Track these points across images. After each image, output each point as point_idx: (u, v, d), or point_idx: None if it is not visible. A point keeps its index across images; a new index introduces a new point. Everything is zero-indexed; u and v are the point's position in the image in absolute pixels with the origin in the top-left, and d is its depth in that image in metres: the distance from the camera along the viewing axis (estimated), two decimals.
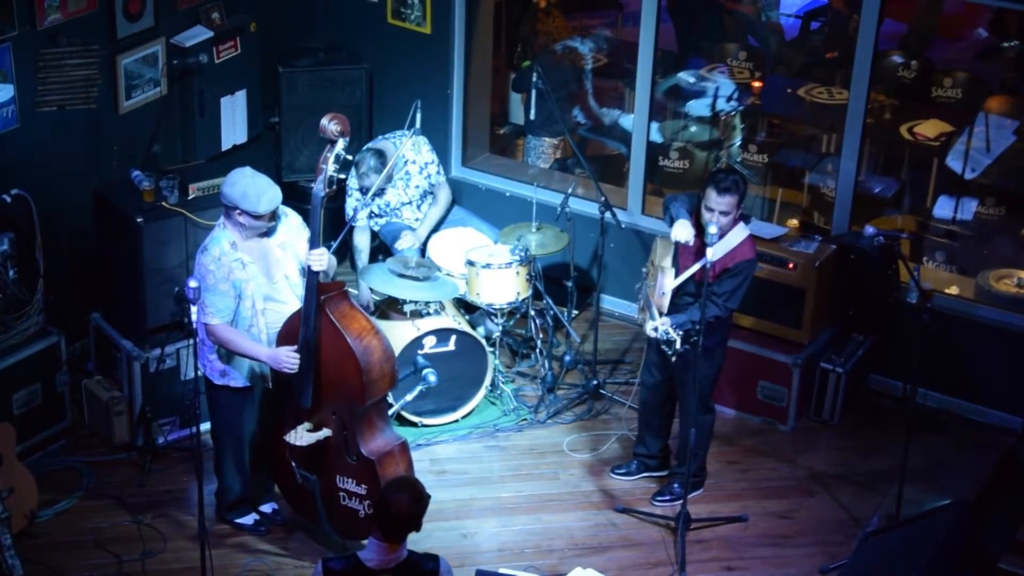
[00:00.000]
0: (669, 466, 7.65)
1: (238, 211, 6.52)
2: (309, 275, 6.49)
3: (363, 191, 8.46)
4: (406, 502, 5.05)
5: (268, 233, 6.65)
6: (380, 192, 8.54)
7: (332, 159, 6.54)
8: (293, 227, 6.75)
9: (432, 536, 6.91)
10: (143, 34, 8.21)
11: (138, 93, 8.29)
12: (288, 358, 6.53)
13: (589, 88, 9.91)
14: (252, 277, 6.60)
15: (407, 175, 8.65)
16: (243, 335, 6.62)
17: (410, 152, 8.61)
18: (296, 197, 9.18)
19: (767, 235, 8.15)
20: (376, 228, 8.72)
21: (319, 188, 6.55)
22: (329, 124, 6.54)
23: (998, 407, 8.17)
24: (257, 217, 6.53)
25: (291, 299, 6.72)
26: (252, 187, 6.52)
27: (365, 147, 8.56)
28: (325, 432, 6.72)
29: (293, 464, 6.80)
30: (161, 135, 8.28)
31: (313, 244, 6.53)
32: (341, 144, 6.56)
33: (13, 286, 7.25)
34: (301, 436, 6.72)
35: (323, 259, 6.46)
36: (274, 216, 6.60)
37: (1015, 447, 7.96)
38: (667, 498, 7.55)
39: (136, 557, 7.02)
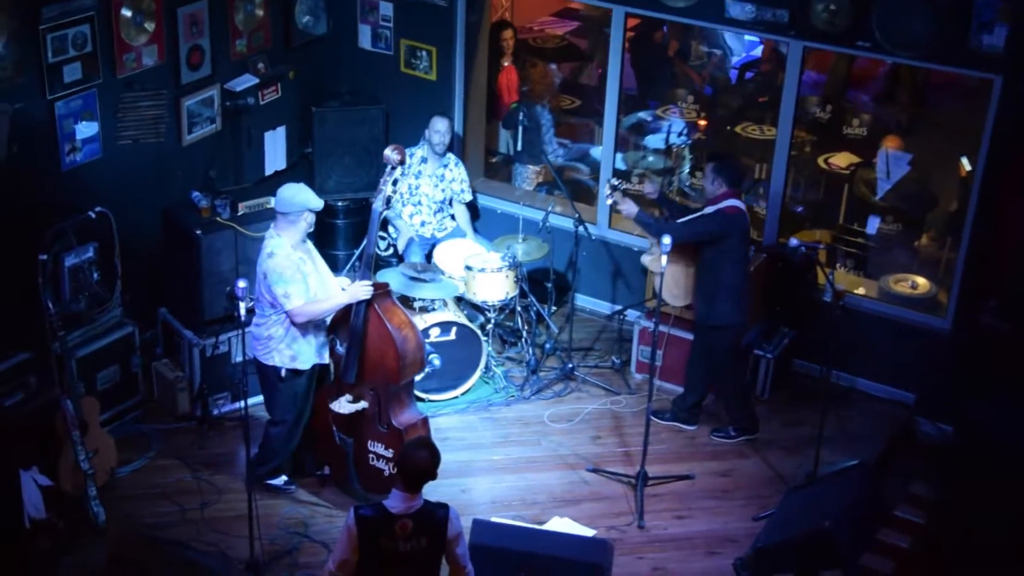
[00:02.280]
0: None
1: (305, 213, 6.63)
2: (362, 275, 6.70)
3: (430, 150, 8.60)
4: (425, 457, 5.06)
5: (306, 246, 6.77)
6: (418, 174, 8.61)
7: (391, 181, 6.68)
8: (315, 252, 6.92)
9: (437, 491, 6.90)
10: (202, 81, 8.23)
11: (198, 129, 8.30)
12: (363, 287, 6.63)
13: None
14: (311, 271, 6.71)
15: (442, 177, 8.68)
16: (318, 300, 6.68)
17: (452, 162, 8.73)
18: (327, 214, 9.25)
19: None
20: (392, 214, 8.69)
21: (378, 205, 6.70)
22: (391, 153, 6.74)
23: (895, 385, 8.20)
24: (316, 211, 6.67)
25: (332, 292, 6.80)
26: (305, 191, 6.69)
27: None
28: (363, 404, 6.79)
29: (334, 428, 6.86)
30: (216, 163, 8.30)
31: (369, 247, 6.73)
32: (399, 171, 6.75)
33: (97, 286, 7.26)
34: (343, 405, 6.81)
35: (369, 290, 6.62)
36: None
37: (908, 418, 8.07)
38: (720, 435, 7.76)
39: (196, 507, 7.06)
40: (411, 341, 6.78)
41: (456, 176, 8.78)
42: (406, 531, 5.01)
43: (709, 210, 7.37)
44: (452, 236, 8.84)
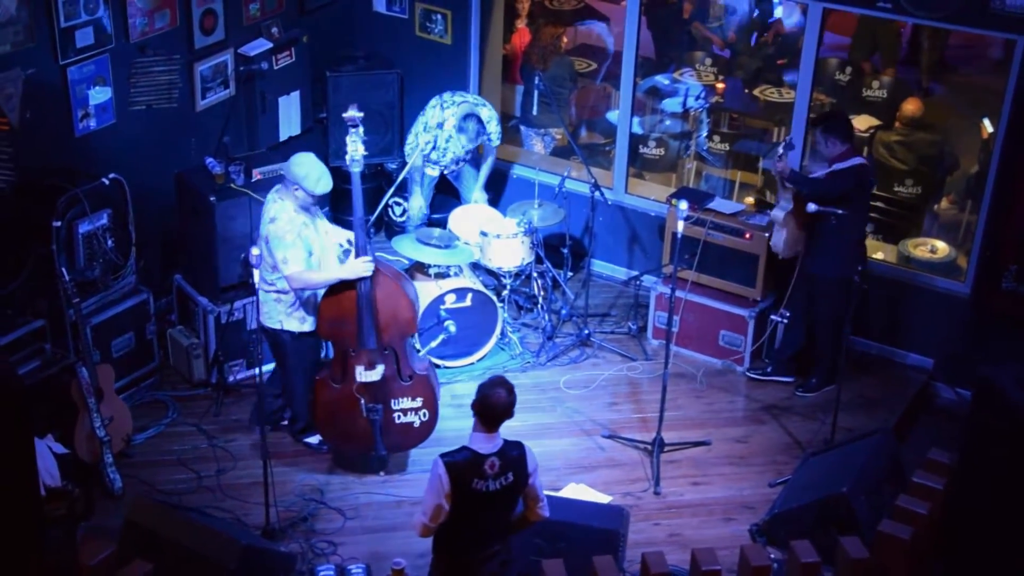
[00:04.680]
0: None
1: (296, 187, 6.58)
2: (358, 248, 6.64)
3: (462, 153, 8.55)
4: (504, 395, 5.08)
5: (312, 213, 6.73)
6: (448, 139, 8.55)
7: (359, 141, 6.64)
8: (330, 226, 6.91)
9: None
10: (215, 46, 8.19)
11: (211, 94, 8.27)
12: (364, 264, 6.61)
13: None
14: (315, 237, 6.69)
15: (475, 137, 8.57)
16: (316, 270, 6.70)
17: (490, 119, 8.59)
18: (340, 179, 9.21)
19: (727, 210, 8.16)
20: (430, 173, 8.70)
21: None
22: (353, 113, 6.68)
23: (914, 350, 8.17)
24: (311, 196, 6.60)
25: (330, 265, 6.83)
26: (314, 171, 6.61)
27: (467, 113, 8.46)
28: (382, 367, 6.81)
29: (362, 401, 6.85)
30: (230, 129, 8.25)
31: (357, 212, 6.68)
32: (361, 130, 6.69)
33: (111, 253, 7.24)
34: (364, 375, 6.81)
35: (371, 267, 6.63)
36: (321, 203, 6.66)
37: (926, 384, 8.04)
38: (803, 390, 7.89)
39: (212, 473, 7.08)
40: (412, 288, 6.95)
41: (492, 131, 8.66)
42: (495, 469, 5.09)
43: (841, 166, 7.41)
44: (464, 180, 8.82)
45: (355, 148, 6.61)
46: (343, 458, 7.20)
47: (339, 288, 6.68)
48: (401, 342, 6.84)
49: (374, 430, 6.90)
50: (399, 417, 6.93)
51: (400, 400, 6.91)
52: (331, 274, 6.72)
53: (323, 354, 7.34)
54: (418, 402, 6.92)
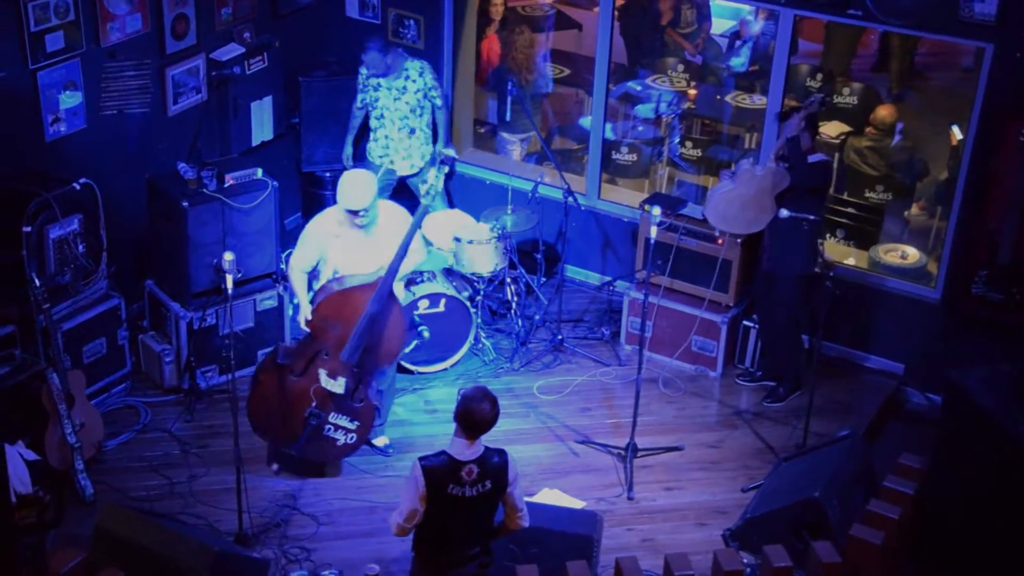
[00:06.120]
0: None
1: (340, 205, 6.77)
2: (392, 265, 6.73)
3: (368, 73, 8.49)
4: (488, 409, 5.12)
5: (364, 227, 6.78)
6: (376, 87, 8.48)
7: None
8: (392, 223, 6.89)
9: None
10: (187, 50, 8.15)
11: (183, 99, 8.24)
12: (306, 323, 6.78)
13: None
14: (338, 252, 6.81)
15: (403, 89, 8.48)
16: (302, 285, 6.94)
17: (414, 73, 8.48)
18: (313, 184, 9.21)
19: (700, 216, 8.19)
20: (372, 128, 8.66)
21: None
22: None
23: (885, 355, 8.20)
24: (345, 210, 6.71)
25: (303, 293, 6.95)
26: (344, 186, 6.75)
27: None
28: (344, 381, 6.82)
29: (313, 403, 6.86)
30: (202, 133, 8.22)
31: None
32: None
33: (82, 258, 7.20)
34: (327, 382, 6.85)
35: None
36: (363, 216, 6.71)
37: (897, 388, 8.08)
38: (771, 400, 7.89)
39: (184, 480, 7.05)
40: (408, 327, 7.16)
41: (430, 84, 8.53)
42: (472, 476, 5.11)
43: (815, 159, 7.46)
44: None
45: (438, 181, 6.84)
46: (315, 464, 7.18)
47: (349, 295, 6.73)
48: (373, 368, 6.90)
49: (304, 431, 6.91)
50: (330, 430, 6.98)
51: (340, 416, 6.95)
52: (299, 294, 6.94)
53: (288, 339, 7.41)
54: (354, 425, 6.97)
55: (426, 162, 8.67)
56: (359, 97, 8.62)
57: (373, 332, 6.78)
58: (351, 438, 6.99)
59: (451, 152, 8.50)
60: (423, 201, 6.90)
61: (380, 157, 8.63)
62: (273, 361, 6.88)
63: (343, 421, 6.94)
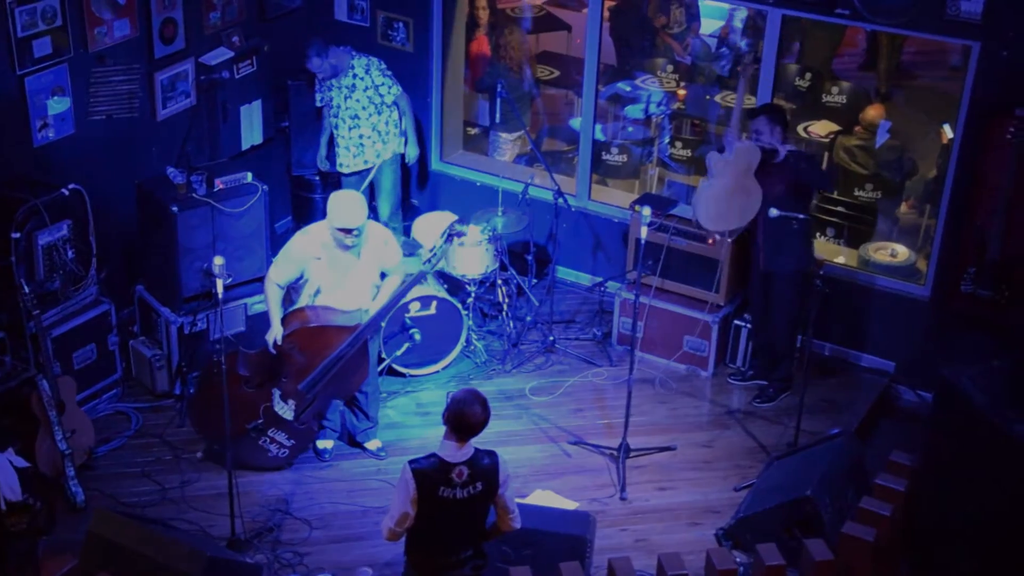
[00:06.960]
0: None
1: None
2: (374, 319, 6.78)
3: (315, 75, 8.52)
4: (479, 412, 5.11)
5: (351, 247, 6.72)
6: (330, 87, 8.49)
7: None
8: (375, 246, 6.85)
9: None
10: (176, 55, 8.14)
11: (172, 103, 8.23)
12: (274, 345, 6.74)
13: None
14: (321, 273, 6.74)
15: (352, 87, 8.46)
16: (276, 301, 6.80)
17: (360, 70, 8.46)
18: (303, 188, 9.20)
19: (692, 218, 8.18)
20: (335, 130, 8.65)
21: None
22: None
23: (875, 353, 8.22)
24: (336, 228, 6.62)
25: (346, 304, 6.83)
26: (335, 204, 6.68)
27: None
28: (293, 404, 6.91)
29: (260, 420, 6.93)
30: (191, 138, 8.23)
31: None
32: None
33: (72, 264, 7.20)
34: (280, 406, 6.93)
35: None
36: (353, 236, 6.65)
37: (888, 386, 8.09)
38: (761, 401, 7.88)
39: (176, 485, 7.03)
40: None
41: (379, 82, 8.50)
42: (463, 478, 5.10)
43: (795, 150, 7.54)
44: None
45: (442, 251, 7.06)
46: (308, 469, 7.19)
47: (325, 332, 6.75)
48: (327, 399, 6.99)
49: (241, 438, 6.92)
50: (265, 442, 7.04)
51: (280, 433, 7.02)
52: (272, 314, 6.83)
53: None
54: (290, 443, 7.07)
55: (383, 160, 8.64)
56: (316, 96, 8.64)
57: (337, 370, 6.82)
58: (283, 453, 7.09)
59: (413, 154, 8.60)
60: (422, 268, 6.99)
61: (341, 164, 8.67)
62: (232, 368, 6.84)
63: (281, 438, 7.05)
